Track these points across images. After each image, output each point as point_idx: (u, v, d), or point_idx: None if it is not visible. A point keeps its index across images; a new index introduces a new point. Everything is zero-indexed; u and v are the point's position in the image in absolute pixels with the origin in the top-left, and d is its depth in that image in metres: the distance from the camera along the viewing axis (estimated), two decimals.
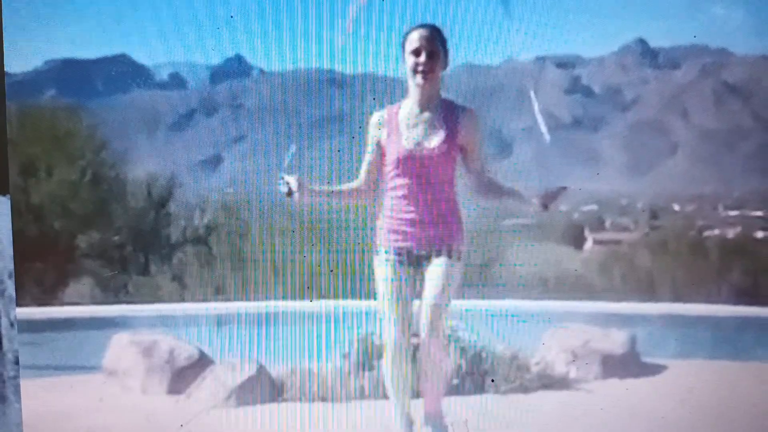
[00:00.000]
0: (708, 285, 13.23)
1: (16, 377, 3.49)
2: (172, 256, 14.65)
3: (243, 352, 6.01)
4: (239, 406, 5.56)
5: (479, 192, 3.86)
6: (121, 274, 14.14)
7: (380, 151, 3.85)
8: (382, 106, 3.92)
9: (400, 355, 3.81)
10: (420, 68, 3.73)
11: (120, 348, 6.31)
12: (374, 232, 3.89)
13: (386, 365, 3.90)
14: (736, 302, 11.22)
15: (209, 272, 13.66)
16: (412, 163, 3.74)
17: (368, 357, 5.69)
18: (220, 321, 7.38)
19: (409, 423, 3.97)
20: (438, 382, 3.88)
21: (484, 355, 5.86)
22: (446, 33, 3.80)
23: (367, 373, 5.64)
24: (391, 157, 3.79)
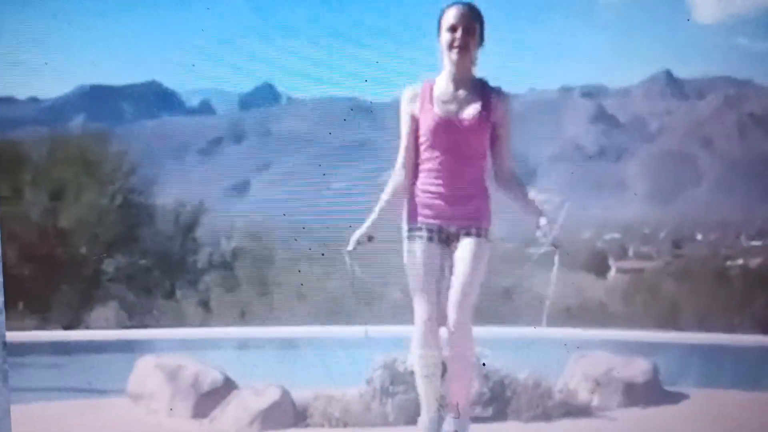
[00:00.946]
0: (730, 314, 13.16)
1: (3, 364, 3.52)
2: (198, 281, 14.73)
3: (267, 376, 6.05)
4: (262, 430, 5.58)
5: (501, 184, 3.82)
6: (146, 299, 14.23)
7: (417, 127, 3.81)
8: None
9: (430, 336, 3.77)
10: (456, 44, 3.70)
11: (145, 372, 6.35)
12: (405, 209, 3.83)
13: (414, 349, 3.86)
14: (759, 332, 11.16)
15: (234, 297, 13.72)
16: (445, 134, 3.70)
17: (391, 383, 5.70)
18: (245, 345, 7.44)
19: (436, 428, 3.92)
20: (464, 371, 3.81)
21: (507, 382, 5.87)
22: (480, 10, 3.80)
23: (390, 399, 5.65)
24: (424, 128, 3.74)
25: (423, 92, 3.82)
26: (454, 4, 3.77)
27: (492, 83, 3.86)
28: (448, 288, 3.74)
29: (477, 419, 5.40)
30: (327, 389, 5.89)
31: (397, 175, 3.86)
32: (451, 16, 3.73)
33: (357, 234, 3.80)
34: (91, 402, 6.38)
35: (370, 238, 3.82)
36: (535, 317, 4.23)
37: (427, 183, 3.79)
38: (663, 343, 8.69)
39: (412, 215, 3.81)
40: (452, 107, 3.75)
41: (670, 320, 13.51)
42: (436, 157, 3.75)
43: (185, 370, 6.20)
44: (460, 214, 3.76)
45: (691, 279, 15.57)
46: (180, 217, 15.08)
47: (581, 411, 5.98)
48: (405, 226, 3.84)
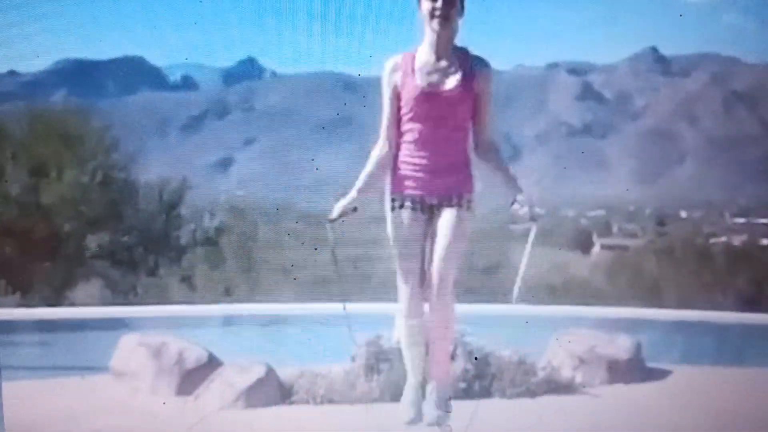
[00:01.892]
0: (713, 291, 13.24)
1: None
2: (181, 258, 14.69)
3: (252, 354, 6.03)
4: (247, 408, 5.57)
5: (480, 155, 3.79)
6: (130, 275, 14.18)
7: (398, 97, 3.76)
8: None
9: (414, 307, 3.77)
10: (437, 13, 3.64)
11: (129, 349, 6.32)
12: (389, 180, 3.81)
13: (398, 320, 3.86)
14: (742, 309, 11.23)
15: (218, 274, 13.69)
16: (428, 105, 3.67)
17: (376, 360, 5.70)
18: (229, 323, 7.42)
19: (419, 397, 3.93)
20: (444, 341, 3.83)
21: (490, 359, 5.88)
22: None
23: (375, 376, 5.66)
24: (406, 99, 3.70)
25: (404, 63, 3.78)
26: None
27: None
28: (431, 259, 3.75)
29: (462, 396, 5.42)
30: (312, 366, 5.88)
31: (379, 147, 3.84)
32: None
33: (341, 204, 3.79)
34: (74, 380, 6.35)
35: (354, 209, 3.81)
36: (510, 295, 4.23)
37: (409, 154, 3.77)
38: (646, 320, 8.72)
39: (396, 186, 3.80)
40: (434, 78, 3.73)
41: (653, 297, 13.58)
42: (419, 128, 3.73)
43: (169, 347, 6.19)
44: (442, 185, 3.75)
45: (675, 256, 15.65)
46: (163, 194, 15.01)
47: (565, 388, 6.01)
48: (388, 197, 3.83)
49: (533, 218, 3.75)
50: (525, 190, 3.77)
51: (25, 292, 11.63)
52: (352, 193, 3.84)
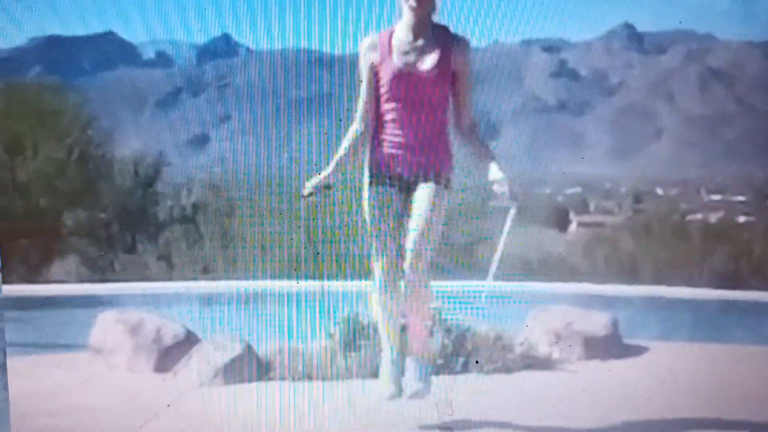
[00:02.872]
0: (690, 268, 13.34)
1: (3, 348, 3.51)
2: (159, 235, 14.64)
3: (230, 330, 6.03)
4: (226, 384, 5.57)
5: (460, 134, 3.80)
6: (107, 252, 14.12)
7: (375, 77, 3.80)
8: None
9: (388, 283, 3.78)
10: None
11: (106, 326, 6.30)
12: (367, 158, 3.81)
13: (374, 296, 3.88)
14: (718, 285, 11.33)
15: (196, 251, 13.65)
16: (405, 85, 3.68)
17: (354, 336, 5.71)
18: (207, 300, 7.39)
19: (398, 372, 3.95)
20: (421, 316, 3.85)
21: (468, 335, 5.90)
22: None
23: (353, 353, 5.67)
24: (384, 79, 3.74)
25: (381, 42, 3.77)
26: None
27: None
28: (407, 235, 3.76)
29: (439, 371, 5.44)
30: (291, 343, 5.89)
31: (356, 125, 3.84)
32: None
33: (314, 180, 3.78)
34: (52, 357, 6.33)
35: (327, 187, 3.80)
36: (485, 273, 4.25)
37: (388, 133, 3.77)
38: (623, 297, 8.79)
39: (374, 163, 3.79)
40: (411, 57, 3.72)
41: (630, 274, 13.67)
42: (397, 107, 3.73)
43: (147, 324, 6.17)
44: (420, 163, 3.75)
45: (652, 233, 15.74)
46: (139, 170, 14.93)
47: (542, 364, 6.04)
48: (366, 173, 3.83)
49: (513, 198, 3.75)
50: (505, 170, 3.78)
51: (1, 269, 11.54)
52: (326, 171, 3.84)
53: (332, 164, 3.86)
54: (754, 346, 6.76)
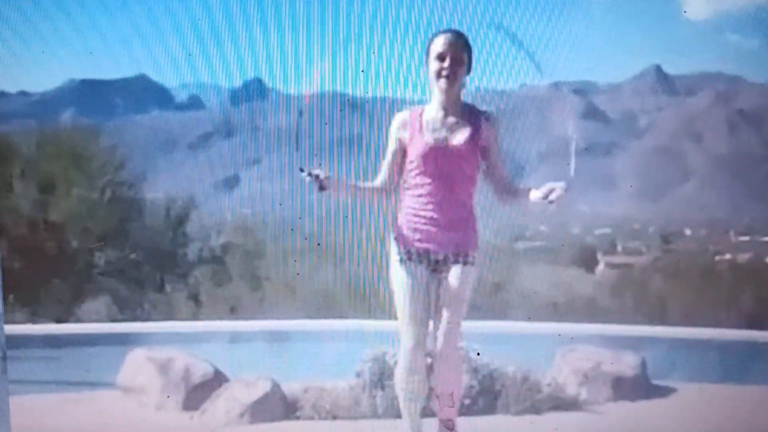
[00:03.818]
0: (718, 309, 13.22)
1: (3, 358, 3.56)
2: (188, 275, 14.74)
3: (257, 369, 6.06)
4: (253, 423, 5.60)
5: (502, 195, 3.84)
6: (136, 291, 14.23)
7: (402, 152, 3.82)
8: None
9: (415, 362, 3.80)
10: (444, 73, 3.69)
11: (136, 365, 6.36)
12: (394, 233, 3.85)
13: (399, 373, 3.91)
14: (747, 326, 11.21)
15: (224, 291, 13.73)
16: (436, 161, 3.70)
17: (381, 376, 5.72)
18: (235, 339, 7.45)
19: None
20: (453, 393, 3.86)
21: (495, 375, 5.90)
22: (470, 39, 3.81)
23: (379, 392, 5.67)
24: (414, 154, 3.74)
25: (412, 120, 3.82)
26: (442, 32, 3.77)
27: (480, 107, 3.89)
28: (436, 313, 3.79)
29: (467, 413, 5.43)
30: (317, 382, 5.91)
31: (377, 181, 3.90)
32: (439, 44, 3.73)
33: (320, 171, 3.70)
34: (82, 395, 6.38)
35: (319, 178, 3.69)
36: (526, 309, 4.27)
37: (417, 208, 3.80)
38: (651, 338, 8.72)
39: (402, 239, 3.83)
40: (442, 134, 3.77)
41: (658, 315, 13.57)
42: (427, 182, 3.76)
43: (176, 362, 6.22)
44: (450, 240, 3.78)
45: (680, 274, 15.64)
46: (170, 212, 15.08)
47: (570, 404, 6.02)
48: (394, 250, 3.86)
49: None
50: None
51: (33, 307, 11.70)
52: (336, 177, 3.80)
53: (345, 181, 3.87)
54: None
